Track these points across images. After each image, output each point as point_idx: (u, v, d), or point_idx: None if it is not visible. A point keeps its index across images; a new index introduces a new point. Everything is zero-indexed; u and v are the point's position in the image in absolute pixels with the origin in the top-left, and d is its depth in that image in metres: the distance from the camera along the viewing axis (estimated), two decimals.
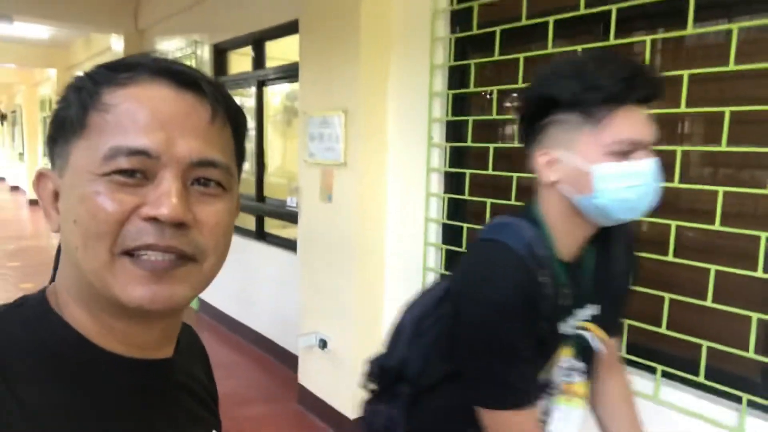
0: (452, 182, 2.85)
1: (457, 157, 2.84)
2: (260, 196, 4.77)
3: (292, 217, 4.01)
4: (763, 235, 1.77)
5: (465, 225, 2.75)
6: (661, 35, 2.09)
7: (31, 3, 6.40)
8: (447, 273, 2.82)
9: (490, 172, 2.59)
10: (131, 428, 0.59)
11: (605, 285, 1.15)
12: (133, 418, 0.59)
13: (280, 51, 4.48)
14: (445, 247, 2.88)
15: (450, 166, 2.83)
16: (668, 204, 2.15)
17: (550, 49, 2.32)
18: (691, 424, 1.94)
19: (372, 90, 3.05)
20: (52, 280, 0.64)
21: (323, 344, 3.35)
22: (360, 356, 3.19)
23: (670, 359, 2.02)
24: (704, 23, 1.95)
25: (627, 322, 2.11)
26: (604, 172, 0.96)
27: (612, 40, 2.13)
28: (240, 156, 0.65)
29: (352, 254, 3.14)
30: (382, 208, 3.17)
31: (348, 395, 3.24)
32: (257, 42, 4.64)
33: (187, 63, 0.64)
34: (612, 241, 1.15)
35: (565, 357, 1.12)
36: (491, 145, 2.59)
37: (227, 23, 4.91)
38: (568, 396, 1.15)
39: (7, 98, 18.86)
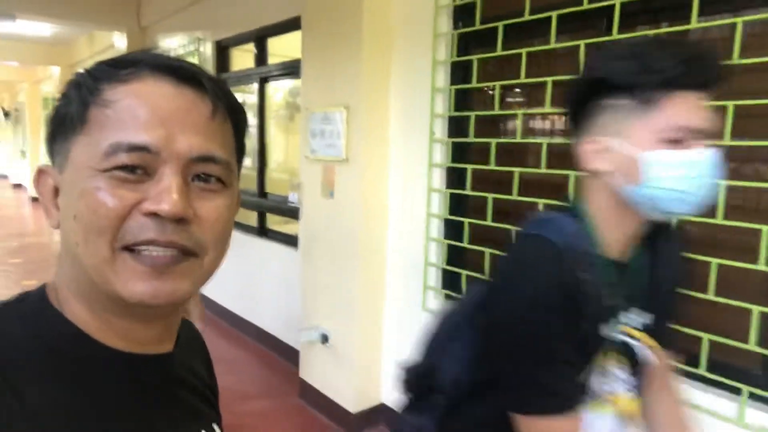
0: (454, 178, 2.85)
1: (459, 153, 2.84)
2: (262, 192, 4.78)
3: (293, 213, 4.01)
4: (764, 228, 1.76)
5: (467, 220, 2.75)
6: (664, 29, 2.08)
7: (34, 1, 6.40)
8: (447, 267, 2.82)
9: (492, 167, 2.59)
10: (131, 424, 0.59)
11: (656, 290, 1.06)
12: (132, 413, 0.59)
13: (282, 47, 4.48)
14: (447, 242, 2.88)
15: (452, 162, 2.83)
16: None
17: (552, 45, 2.32)
18: (691, 415, 1.93)
19: (374, 86, 3.05)
20: None
21: (324, 339, 3.35)
22: (361, 351, 3.20)
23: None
24: (708, 17, 1.95)
25: None
26: (655, 160, 0.89)
27: (615, 35, 2.12)
28: (240, 151, 0.65)
29: (353, 250, 3.14)
30: (384, 203, 3.18)
31: (349, 390, 3.25)
32: (259, 39, 4.65)
33: (190, 60, 0.64)
34: (663, 243, 1.08)
35: (608, 364, 1.03)
36: (493, 141, 2.59)
37: (229, 20, 4.91)
38: (603, 403, 1.05)
39: (9, 96, 18.88)
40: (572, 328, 0.92)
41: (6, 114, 19.33)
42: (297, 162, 3.94)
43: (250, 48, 4.80)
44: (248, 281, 4.72)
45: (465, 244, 2.76)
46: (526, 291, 0.92)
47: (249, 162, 4.89)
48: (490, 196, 2.61)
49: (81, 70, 0.58)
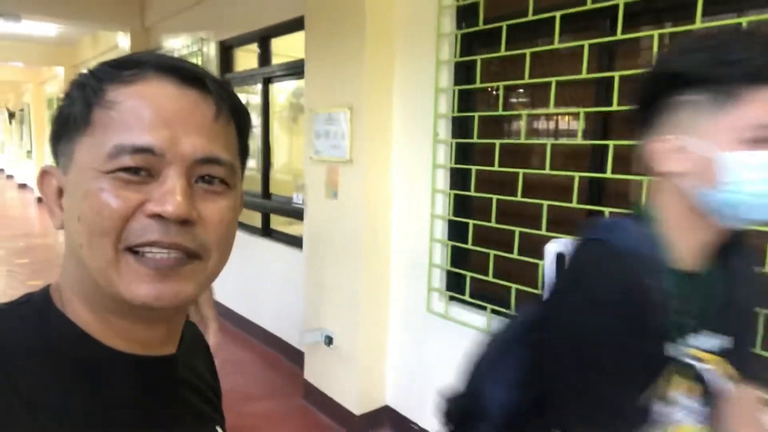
0: (458, 178, 2.85)
1: (462, 154, 2.83)
2: (266, 192, 4.78)
3: (297, 214, 4.01)
4: None
5: (471, 221, 2.74)
6: (669, 30, 2.07)
7: (39, 1, 6.43)
8: (451, 268, 2.82)
9: (496, 168, 2.58)
10: (134, 425, 0.59)
11: (732, 310, 0.96)
12: (136, 414, 0.59)
13: (286, 48, 4.48)
14: (451, 243, 2.87)
15: (456, 163, 2.83)
16: None
17: (556, 45, 2.31)
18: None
19: (377, 86, 3.05)
20: None
21: (329, 341, 3.35)
22: (365, 352, 3.20)
23: None
24: (713, 17, 1.93)
25: None
26: (736, 161, 0.80)
27: (619, 35, 2.11)
28: (244, 153, 0.65)
29: (357, 251, 3.14)
30: (388, 204, 3.17)
31: (353, 391, 3.25)
32: (263, 39, 4.65)
33: (194, 60, 0.64)
34: (737, 256, 0.98)
35: (674, 389, 0.91)
36: (497, 141, 2.58)
37: (233, 20, 4.91)
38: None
39: (14, 96, 18.96)
40: (637, 341, 0.83)
41: (11, 115, 19.41)
42: (301, 163, 3.94)
43: (254, 48, 4.80)
44: (252, 282, 4.73)
45: (469, 246, 2.76)
46: (590, 298, 0.85)
47: (253, 163, 4.90)
48: (494, 197, 2.60)
49: (84, 71, 0.58)
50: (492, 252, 2.63)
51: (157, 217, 0.53)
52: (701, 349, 0.93)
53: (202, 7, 5.49)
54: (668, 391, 0.91)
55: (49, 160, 0.60)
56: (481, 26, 2.61)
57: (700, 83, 0.83)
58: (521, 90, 2.68)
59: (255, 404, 3.64)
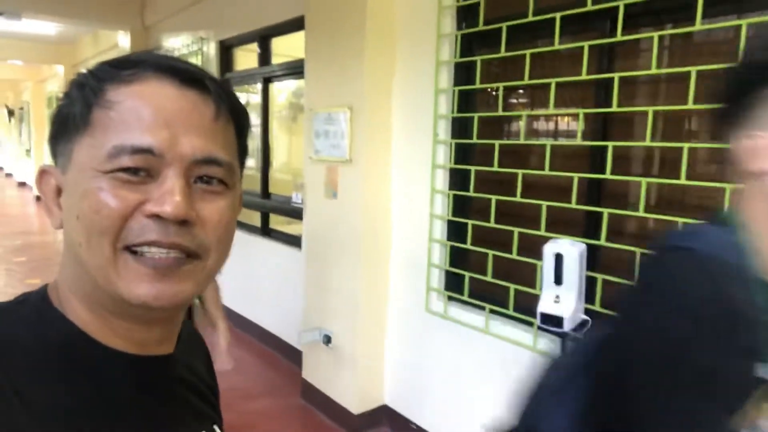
0: (457, 179, 2.85)
1: (462, 154, 2.84)
2: (265, 192, 4.78)
3: (297, 214, 4.02)
4: None
5: (470, 222, 2.74)
6: (668, 31, 2.08)
7: (39, 0, 6.42)
8: (450, 268, 2.81)
9: (495, 168, 2.59)
10: (132, 424, 0.59)
11: None
12: (133, 413, 0.59)
13: (286, 48, 4.48)
14: (450, 243, 2.88)
15: (455, 163, 2.83)
16: (675, 201, 2.14)
17: (556, 46, 2.31)
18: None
19: (377, 87, 3.05)
20: None
21: (327, 340, 3.35)
22: (364, 352, 3.20)
23: None
24: (712, 19, 1.94)
25: None
26: None
27: (619, 37, 2.12)
28: (242, 153, 0.65)
29: (356, 251, 3.14)
30: (387, 204, 3.18)
31: (352, 390, 3.25)
32: (263, 38, 4.65)
33: (193, 60, 0.63)
34: None
35: (764, 416, 0.82)
36: (497, 142, 2.59)
37: (233, 20, 4.91)
38: None
39: (14, 95, 18.94)
40: (732, 358, 0.74)
41: (11, 113, 19.39)
42: (300, 162, 3.94)
43: (254, 48, 4.80)
44: (252, 281, 4.73)
45: (468, 246, 2.76)
46: (678, 311, 0.75)
47: (252, 162, 4.90)
48: (494, 197, 2.61)
49: (84, 71, 0.58)
50: (491, 252, 2.63)
51: (156, 217, 0.53)
52: None
53: (202, 7, 5.49)
54: (757, 417, 0.82)
55: (48, 158, 0.61)
56: (481, 27, 2.62)
57: None
58: (521, 91, 2.68)
59: (253, 403, 3.64)
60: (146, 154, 0.53)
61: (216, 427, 0.73)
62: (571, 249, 2.03)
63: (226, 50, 5.28)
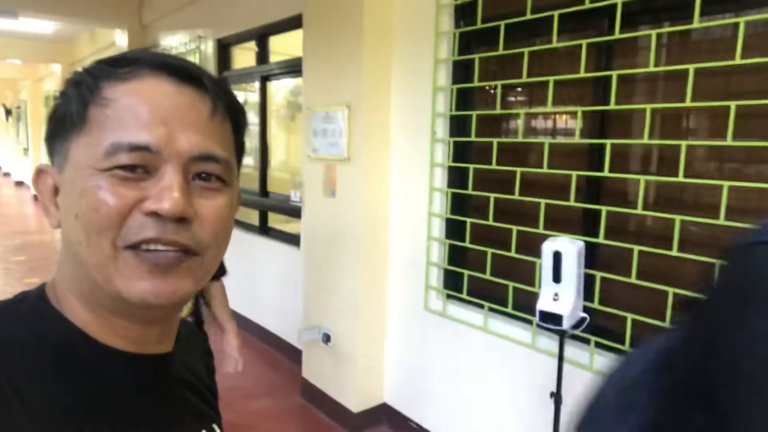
0: (456, 177, 2.85)
1: (460, 152, 2.84)
2: (264, 190, 4.78)
3: (295, 212, 4.01)
4: None
5: (468, 220, 2.75)
6: (666, 29, 2.08)
7: None
8: (448, 267, 2.82)
9: (493, 166, 2.59)
10: (131, 423, 0.59)
11: None
12: (132, 412, 0.59)
13: (284, 46, 4.48)
14: (448, 241, 2.88)
15: (453, 161, 2.83)
16: (673, 198, 2.14)
17: (554, 44, 2.31)
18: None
19: (375, 85, 3.05)
20: None
21: (327, 338, 3.36)
22: (363, 350, 3.20)
23: None
24: (710, 17, 1.94)
25: (630, 316, 2.11)
26: None
27: (617, 34, 2.12)
28: (240, 150, 0.65)
29: (355, 249, 3.14)
30: (386, 203, 3.18)
31: (351, 389, 3.25)
32: (261, 37, 4.64)
33: (191, 58, 0.63)
34: None
35: None
36: (495, 140, 2.59)
37: (231, 18, 4.91)
38: None
39: (11, 94, 18.90)
40: None
41: (8, 112, 19.35)
42: (299, 161, 3.94)
43: (252, 46, 4.80)
44: (250, 280, 4.73)
45: (467, 244, 2.76)
46: None
47: (251, 161, 4.90)
48: (492, 195, 2.61)
49: (80, 69, 0.58)
50: (489, 250, 2.63)
51: (154, 215, 0.53)
52: None
53: (199, 5, 5.48)
54: None
55: (45, 157, 0.60)
56: (480, 25, 2.62)
57: None
58: (519, 89, 2.68)
59: (253, 402, 3.64)
60: (143, 151, 0.53)
61: (215, 426, 0.73)
62: (569, 247, 2.03)
63: (223, 49, 5.27)
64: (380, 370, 3.31)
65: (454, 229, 2.87)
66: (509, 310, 2.57)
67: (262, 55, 4.68)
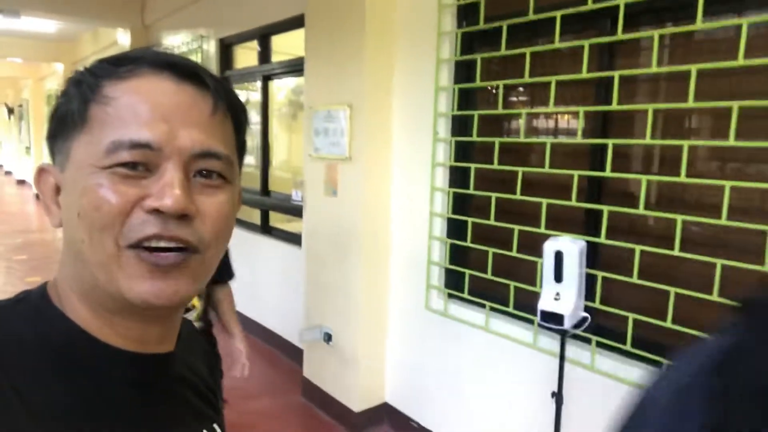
0: (457, 177, 2.85)
1: (462, 152, 2.84)
2: (265, 190, 4.78)
3: (297, 211, 4.02)
4: None
5: (470, 219, 2.75)
6: (669, 30, 2.08)
7: None
8: (450, 266, 2.82)
9: (495, 166, 2.59)
10: (131, 422, 0.59)
11: None
12: (133, 411, 0.59)
13: (286, 45, 4.48)
14: (450, 241, 2.88)
15: (455, 161, 2.83)
16: (675, 198, 2.15)
17: (557, 44, 2.31)
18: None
19: (377, 84, 3.05)
20: None
21: (328, 338, 3.36)
22: (365, 349, 3.21)
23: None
24: (713, 18, 1.94)
25: (632, 316, 2.12)
26: None
27: (620, 35, 2.12)
28: (241, 148, 0.65)
29: (357, 248, 3.14)
30: (387, 202, 3.18)
31: (352, 388, 3.26)
32: (263, 36, 4.65)
33: (193, 58, 0.63)
34: None
35: None
36: (497, 140, 2.59)
37: (233, 18, 4.91)
38: None
39: (13, 92, 18.91)
40: None
41: (10, 111, 19.37)
42: (300, 160, 3.94)
43: (254, 46, 4.80)
44: (252, 279, 4.73)
45: (468, 243, 2.76)
46: None
47: (252, 160, 4.90)
48: (494, 195, 2.61)
49: (81, 68, 0.58)
50: (491, 250, 2.63)
51: (156, 212, 0.53)
52: None
53: (202, 5, 5.49)
54: None
55: (47, 155, 0.61)
56: (482, 25, 2.62)
57: None
58: (521, 89, 2.68)
59: (254, 402, 3.64)
60: (144, 148, 0.53)
61: (216, 427, 0.73)
62: (571, 246, 2.03)
63: (226, 48, 5.27)
64: (381, 370, 3.32)
65: (455, 229, 2.87)
66: (510, 309, 2.57)
67: (264, 55, 4.68)
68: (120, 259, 0.54)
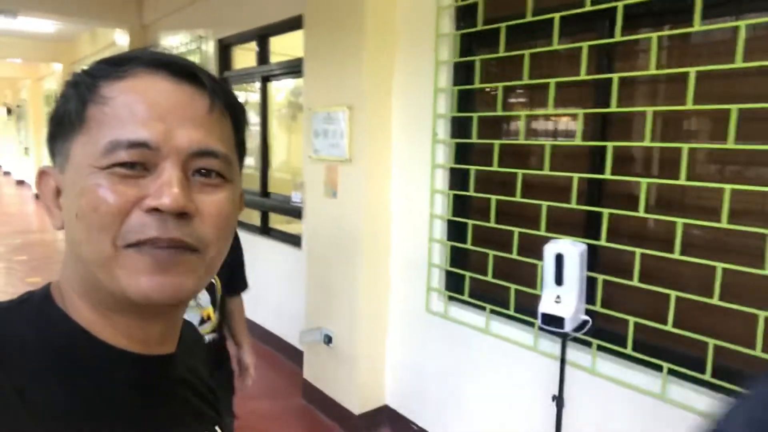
0: (457, 179, 2.85)
1: (461, 154, 2.83)
2: (265, 191, 4.78)
3: (296, 213, 4.02)
4: None
5: (470, 221, 2.75)
6: (667, 32, 2.07)
7: None
8: (450, 268, 2.81)
9: (495, 168, 2.58)
10: (132, 424, 0.59)
11: None
12: (133, 412, 0.59)
13: (285, 46, 4.47)
14: (450, 243, 2.88)
15: (455, 163, 2.83)
16: (675, 201, 2.14)
17: (555, 46, 2.31)
18: (698, 422, 1.94)
19: (377, 86, 3.05)
20: None
21: (328, 340, 3.36)
22: (365, 352, 3.21)
23: (677, 357, 2.02)
24: (711, 20, 1.94)
25: (632, 319, 2.11)
26: None
27: (618, 37, 2.11)
28: (240, 148, 0.65)
29: (357, 250, 3.14)
30: (387, 204, 3.17)
31: (353, 391, 3.26)
32: (262, 37, 4.64)
33: (192, 58, 0.64)
34: None
35: None
36: (496, 142, 2.58)
37: (232, 18, 4.90)
38: None
39: (12, 93, 18.88)
40: None
41: (8, 111, 19.35)
42: (300, 161, 3.94)
43: (253, 47, 4.79)
44: (251, 280, 4.71)
45: (468, 246, 2.76)
46: None
47: (252, 161, 4.89)
48: (493, 197, 2.61)
49: (79, 70, 0.59)
50: (491, 252, 2.63)
51: (155, 211, 0.53)
52: None
53: (200, 5, 5.48)
54: None
55: (46, 155, 0.61)
56: (481, 27, 2.61)
57: None
58: (520, 91, 2.68)
59: (254, 404, 3.64)
60: (142, 147, 0.53)
61: (217, 428, 0.74)
62: (571, 249, 2.03)
63: (224, 49, 5.27)
64: (382, 372, 3.32)
65: (455, 231, 2.87)
66: (511, 312, 2.57)
67: (263, 56, 4.68)
68: (118, 258, 0.54)
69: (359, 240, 3.11)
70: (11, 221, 10.92)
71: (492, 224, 2.62)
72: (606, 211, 2.19)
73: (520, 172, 2.49)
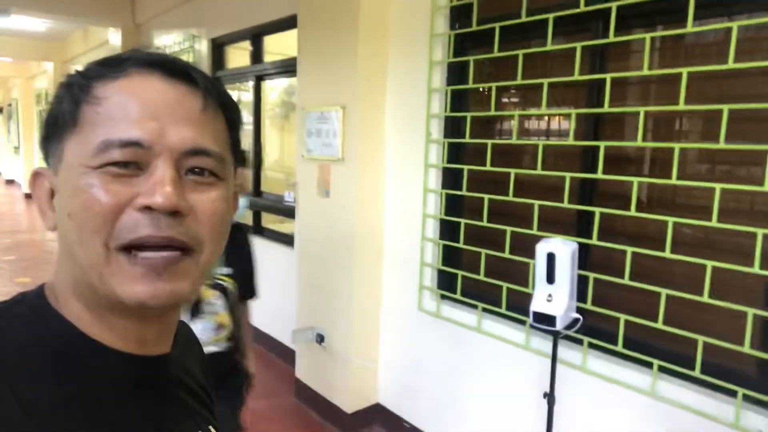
0: (450, 178, 2.86)
1: (455, 153, 2.84)
2: (257, 190, 4.77)
3: (289, 212, 4.01)
4: (759, 231, 1.78)
5: (462, 221, 2.76)
6: (660, 33, 2.09)
7: None
8: (442, 267, 2.82)
9: (488, 168, 2.60)
10: (128, 423, 0.59)
11: None
12: (130, 413, 0.59)
13: (278, 46, 4.47)
14: (442, 242, 2.88)
15: (448, 162, 2.84)
16: (665, 200, 2.16)
17: (549, 46, 2.33)
18: (687, 418, 1.95)
19: (370, 85, 3.05)
20: None
21: (320, 339, 3.36)
22: (357, 350, 3.21)
23: (667, 354, 2.04)
24: (704, 21, 1.96)
25: (623, 317, 2.13)
26: None
27: (611, 38, 2.13)
28: (235, 146, 0.65)
29: (349, 249, 3.14)
30: (380, 203, 3.18)
31: (345, 389, 3.25)
32: (255, 36, 4.63)
33: (185, 57, 0.64)
34: None
35: None
36: (489, 141, 2.60)
37: (225, 18, 4.90)
38: None
39: (3, 92, 18.75)
40: None
41: None
42: (293, 161, 3.93)
43: (246, 46, 4.79)
44: None
45: (460, 245, 2.77)
46: None
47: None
48: (486, 196, 2.62)
49: (72, 71, 0.59)
50: (483, 251, 2.64)
51: (148, 209, 0.53)
52: None
53: (194, 4, 5.47)
54: None
55: (37, 155, 0.61)
56: (475, 27, 2.62)
57: None
58: (513, 91, 2.69)
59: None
60: (135, 147, 0.53)
61: (211, 428, 0.73)
62: (563, 248, 2.04)
63: (218, 48, 5.25)
64: (374, 371, 3.32)
65: (448, 230, 2.88)
66: (503, 310, 2.57)
67: (257, 55, 4.67)
68: (110, 262, 0.54)
69: (352, 239, 3.12)
70: (1, 221, 10.83)
71: (484, 223, 2.63)
72: (597, 210, 2.20)
73: (512, 171, 2.51)
